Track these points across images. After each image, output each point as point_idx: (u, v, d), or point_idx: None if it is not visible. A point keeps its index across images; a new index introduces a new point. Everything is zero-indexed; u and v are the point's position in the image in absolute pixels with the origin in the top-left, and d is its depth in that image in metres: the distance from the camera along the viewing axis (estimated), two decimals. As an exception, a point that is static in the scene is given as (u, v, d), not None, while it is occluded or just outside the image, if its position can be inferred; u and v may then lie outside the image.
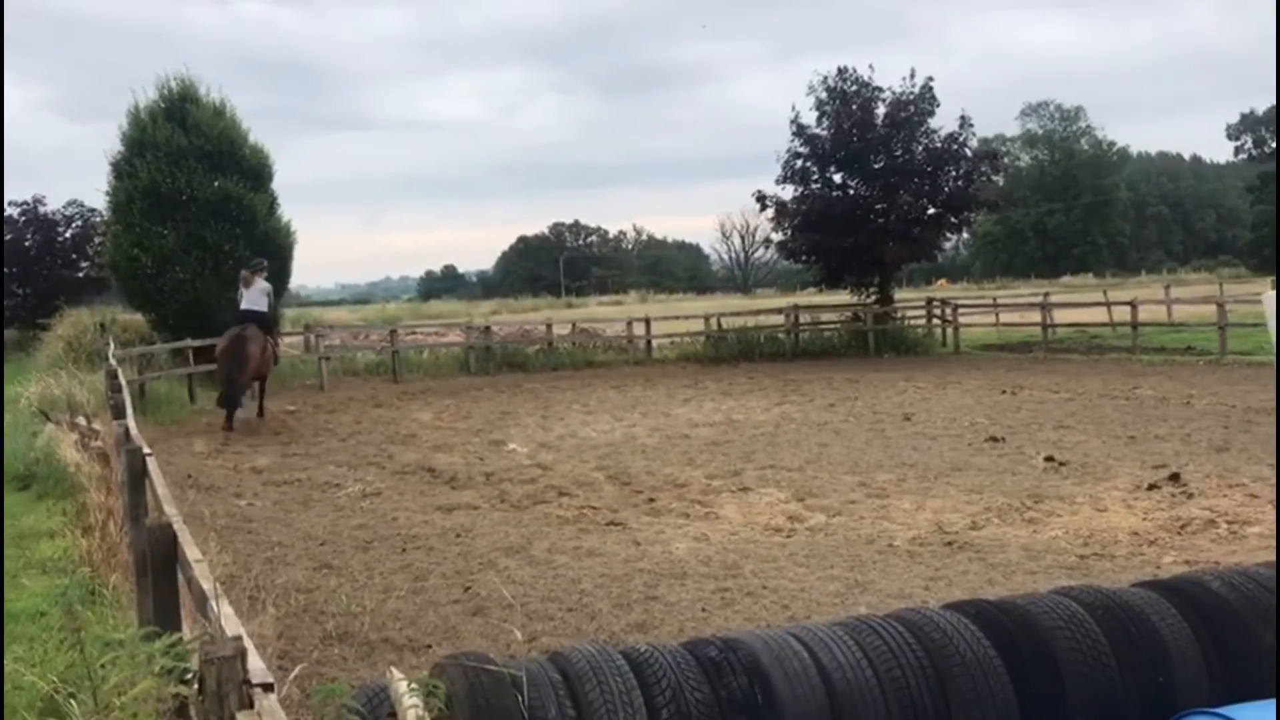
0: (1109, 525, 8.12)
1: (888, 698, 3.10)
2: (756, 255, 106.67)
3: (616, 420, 15.58)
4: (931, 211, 27.11)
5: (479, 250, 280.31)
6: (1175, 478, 9.64)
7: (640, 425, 14.93)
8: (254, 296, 16.07)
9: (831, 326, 27.83)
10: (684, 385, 20.23)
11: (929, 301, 30.40)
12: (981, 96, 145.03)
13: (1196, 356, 21.04)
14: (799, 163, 27.50)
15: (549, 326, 26.64)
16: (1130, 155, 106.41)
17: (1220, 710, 3.18)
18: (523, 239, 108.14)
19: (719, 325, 27.06)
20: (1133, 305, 24.19)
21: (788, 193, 27.82)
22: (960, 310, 27.86)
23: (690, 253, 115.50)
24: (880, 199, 26.72)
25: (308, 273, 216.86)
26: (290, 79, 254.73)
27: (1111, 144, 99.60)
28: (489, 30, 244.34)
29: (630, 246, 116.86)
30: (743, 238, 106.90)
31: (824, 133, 27.22)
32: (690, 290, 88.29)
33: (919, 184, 26.82)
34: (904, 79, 27.10)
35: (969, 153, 27.28)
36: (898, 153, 26.76)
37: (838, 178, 27.69)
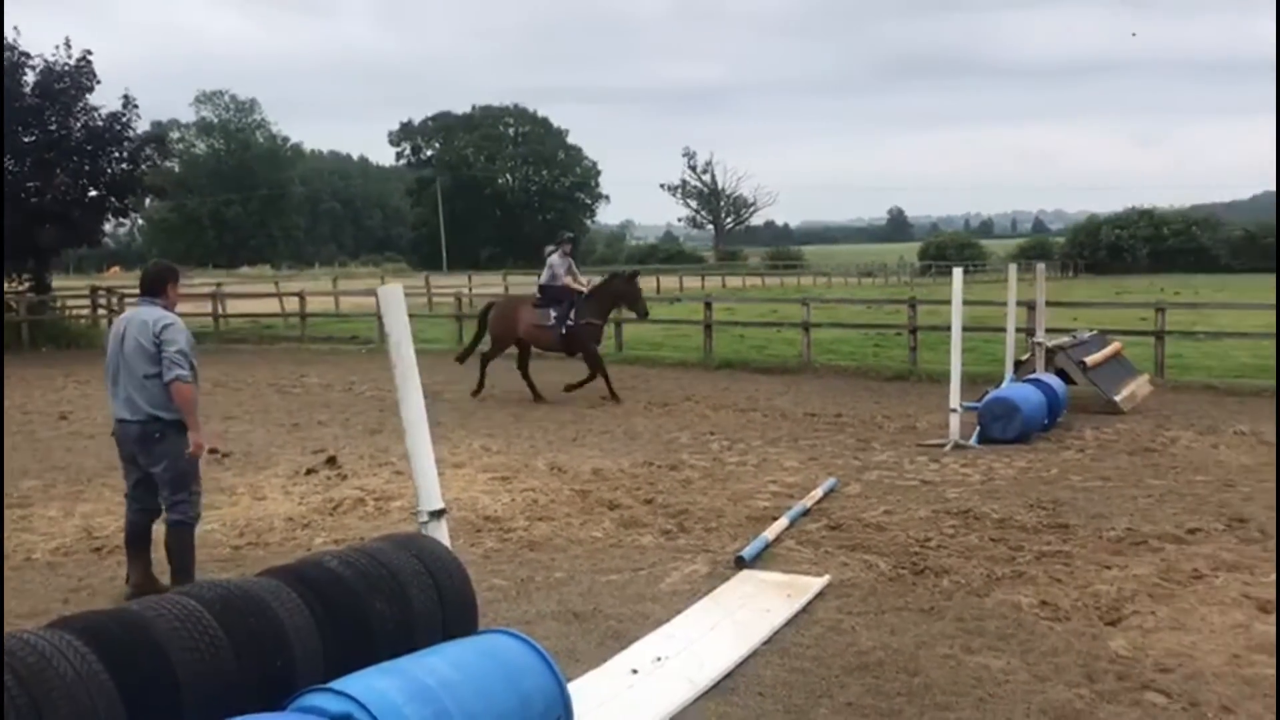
0: (266, 513, 8.24)
1: (-32, 742, 2.71)
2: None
3: None
4: (93, 194, 25.23)
5: None
6: (332, 461, 10.15)
7: None
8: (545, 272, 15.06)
9: (-25, 317, 24.55)
10: None
11: (94, 290, 28.33)
12: (151, 78, 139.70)
13: (360, 345, 22.53)
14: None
15: None
16: (305, 152, 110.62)
17: (332, 684, 3.33)
18: None
19: None
20: (301, 296, 25.17)
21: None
22: (128, 299, 26.41)
23: None
24: (33, 177, 24.15)
25: None
26: None
27: (286, 139, 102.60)
28: None
29: None
30: None
31: (-41, 96, 23.81)
32: None
33: (78, 164, 24.76)
34: (58, 48, 24.83)
35: (134, 134, 25.89)
36: (52, 127, 24.41)
37: (-19, 150, 24.45)
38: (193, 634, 3.26)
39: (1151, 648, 5.16)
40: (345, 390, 15.80)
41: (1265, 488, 8.66)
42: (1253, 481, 8.94)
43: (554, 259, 14.97)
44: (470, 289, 37.96)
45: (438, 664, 3.50)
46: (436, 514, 4.36)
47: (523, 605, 5.98)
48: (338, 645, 3.64)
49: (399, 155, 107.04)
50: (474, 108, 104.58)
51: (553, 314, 14.56)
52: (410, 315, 4.76)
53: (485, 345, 15.19)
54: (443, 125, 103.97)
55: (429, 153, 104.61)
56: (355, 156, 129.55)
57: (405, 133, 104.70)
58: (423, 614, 3.90)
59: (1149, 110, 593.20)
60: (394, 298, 4.40)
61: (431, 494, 4.38)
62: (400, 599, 3.84)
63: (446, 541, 4.39)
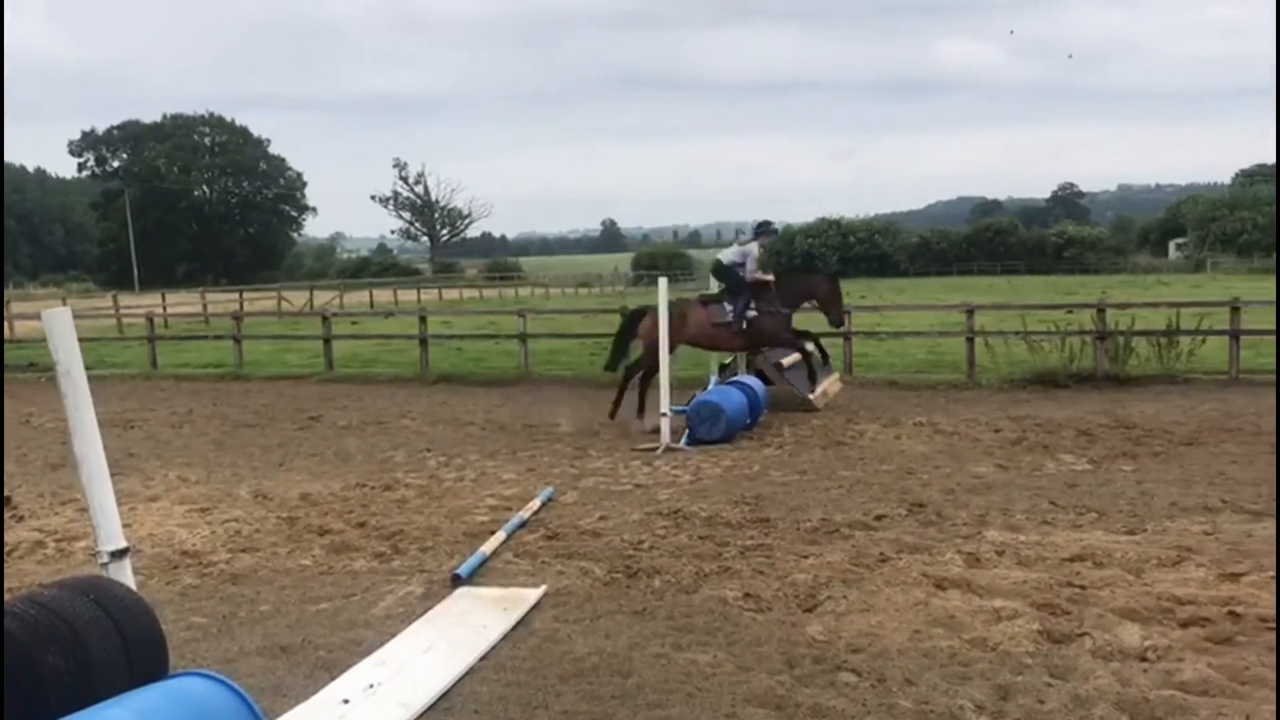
0: (-75, 564, 7.39)
1: None
2: None
3: None
4: None
5: None
6: (6, 501, 9.25)
7: None
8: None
9: None
10: None
11: None
12: None
13: (38, 373, 20.64)
14: None
15: None
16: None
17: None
18: None
19: None
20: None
21: None
22: None
23: None
24: None
25: None
26: None
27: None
28: None
29: None
30: None
31: None
32: None
33: None
34: None
35: None
36: None
37: None
38: None
39: (844, 630, 5.51)
40: (22, 423, 14.43)
41: (941, 473, 9.48)
42: (930, 468, 9.76)
43: (751, 247, 13.39)
44: (165, 308, 35.68)
45: (121, 716, 3.25)
46: (119, 553, 4.06)
47: (224, 643, 5.66)
48: (5, 708, 3.32)
49: (81, 166, 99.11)
50: (165, 116, 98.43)
51: (728, 308, 13.09)
52: (97, 339, 4.41)
53: (633, 356, 13.49)
54: (130, 134, 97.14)
55: (116, 164, 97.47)
56: (30, 168, 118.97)
57: (88, 142, 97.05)
58: (104, 662, 3.61)
59: (840, 126, 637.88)
60: (61, 321, 4.06)
61: (112, 532, 4.07)
62: (77, 649, 3.54)
63: (130, 582, 4.10)
